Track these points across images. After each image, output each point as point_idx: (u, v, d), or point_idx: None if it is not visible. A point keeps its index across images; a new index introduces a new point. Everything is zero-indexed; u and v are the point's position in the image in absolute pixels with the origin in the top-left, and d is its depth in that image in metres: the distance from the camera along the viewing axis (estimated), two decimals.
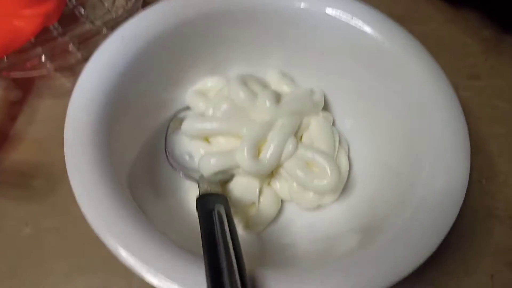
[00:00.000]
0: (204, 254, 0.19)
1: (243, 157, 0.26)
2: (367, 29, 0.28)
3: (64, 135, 0.23)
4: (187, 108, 0.30)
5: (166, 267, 0.19)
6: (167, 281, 0.19)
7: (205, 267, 0.18)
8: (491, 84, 0.36)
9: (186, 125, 0.28)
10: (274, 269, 0.21)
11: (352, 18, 0.28)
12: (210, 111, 0.28)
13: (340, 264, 0.21)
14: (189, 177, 0.27)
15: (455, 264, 0.28)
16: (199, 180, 0.26)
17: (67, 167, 0.22)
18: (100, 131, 0.23)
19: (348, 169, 0.29)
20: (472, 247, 0.28)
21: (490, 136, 0.33)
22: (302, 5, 0.28)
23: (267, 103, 0.27)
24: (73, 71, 0.34)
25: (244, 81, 0.28)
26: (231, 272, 0.18)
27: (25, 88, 0.33)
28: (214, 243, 0.19)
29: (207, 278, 0.18)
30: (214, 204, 0.22)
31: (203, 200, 0.23)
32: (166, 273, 0.19)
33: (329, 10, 0.28)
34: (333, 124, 0.31)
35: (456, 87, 0.26)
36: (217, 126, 0.27)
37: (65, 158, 0.22)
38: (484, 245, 0.29)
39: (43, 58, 0.31)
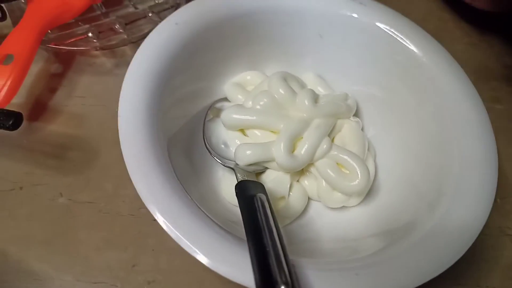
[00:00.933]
0: (248, 237, 0.20)
1: (279, 151, 0.27)
2: (408, 43, 0.29)
3: (119, 105, 0.24)
4: (225, 99, 0.31)
5: (211, 246, 0.20)
6: (215, 261, 0.20)
7: (250, 250, 0.19)
8: (510, 109, 0.37)
9: (226, 115, 0.29)
10: (307, 258, 0.22)
11: (393, 30, 0.29)
12: (250, 103, 0.29)
13: (369, 259, 0.22)
14: (226, 165, 0.28)
15: (467, 276, 0.29)
16: (235, 168, 0.27)
17: (120, 135, 0.23)
18: (151, 104, 0.24)
19: (374, 174, 0.30)
20: (483, 262, 0.30)
21: (507, 158, 0.34)
22: (355, 14, 0.29)
23: (306, 102, 0.28)
24: (114, 52, 0.35)
25: (284, 77, 0.29)
26: (277, 255, 0.19)
27: (66, 63, 0.34)
28: (259, 227, 0.20)
29: (252, 260, 0.19)
30: (255, 191, 0.23)
31: (244, 186, 0.24)
32: (211, 252, 0.20)
33: (380, 24, 0.29)
34: (362, 130, 0.32)
35: None
36: (256, 118, 0.28)
37: (118, 126, 0.23)
38: (495, 261, 0.30)
39: (90, 34, 0.32)
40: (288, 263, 0.19)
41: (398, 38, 0.29)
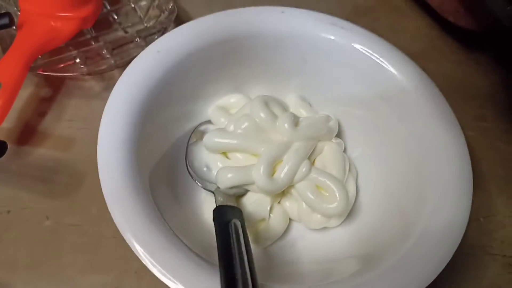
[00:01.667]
0: (220, 264, 0.20)
1: (259, 175, 0.27)
2: (388, 66, 0.29)
3: (99, 135, 0.24)
4: (209, 121, 0.32)
5: (182, 272, 0.21)
6: (183, 286, 0.20)
7: (221, 277, 0.20)
8: (496, 127, 0.38)
9: (208, 138, 0.29)
10: (279, 283, 0.23)
11: (376, 55, 0.30)
12: (231, 127, 0.30)
13: (344, 284, 0.22)
14: (206, 187, 0.29)
15: None
16: (215, 192, 0.28)
17: (98, 163, 0.23)
18: (131, 135, 0.25)
19: (355, 195, 0.30)
20: (464, 282, 0.30)
21: (491, 176, 0.35)
22: (332, 37, 0.30)
23: (286, 125, 0.29)
24: (103, 75, 0.36)
25: (266, 101, 0.30)
26: (245, 283, 0.19)
27: (56, 87, 0.35)
28: (230, 254, 0.21)
29: (222, 286, 0.19)
30: (231, 217, 0.24)
31: (220, 211, 0.24)
32: (182, 278, 0.21)
33: (356, 45, 0.30)
34: (344, 151, 0.32)
35: (463, 126, 0.28)
36: (237, 142, 0.29)
37: (98, 154, 0.24)
38: (477, 281, 0.30)
39: (77, 60, 0.33)
40: None
41: (375, 59, 0.29)
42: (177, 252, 0.22)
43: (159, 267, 0.21)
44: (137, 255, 0.21)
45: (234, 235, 0.22)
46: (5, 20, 0.30)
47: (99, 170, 0.23)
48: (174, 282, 0.20)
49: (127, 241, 0.21)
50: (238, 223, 0.23)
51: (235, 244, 0.21)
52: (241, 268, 0.20)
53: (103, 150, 0.24)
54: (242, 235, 0.22)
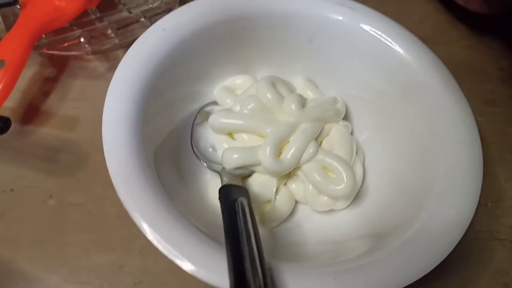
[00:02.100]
0: (226, 241, 0.20)
1: (265, 155, 0.27)
2: (397, 47, 0.29)
3: (103, 112, 0.24)
4: (214, 103, 0.32)
5: (189, 249, 0.20)
6: (190, 263, 0.20)
7: (228, 253, 0.19)
8: (506, 112, 0.37)
9: (213, 119, 0.29)
10: (288, 262, 0.22)
11: (384, 36, 0.29)
12: (237, 108, 0.29)
13: (350, 264, 0.22)
14: (211, 168, 0.28)
15: (454, 280, 0.29)
16: (221, 172, 0.28)
17: (103, 141, 0.23)
18: (136, 113, 0.25)
19: (362, 178, 0.30)
20: (472, 266, 0.29)
21: (500, 161, 0.34)
22: (340, 17, 0.29)
23: (293, 106, 0.28)
24: (107, 56, 0.35)
25: (273, 82, 0.30)
26: (252, 259, 0.19)
27: (60, 67, 0.35)
28: (237, 231, 0.20)
29: (229, 264, 0.19)
30: (237, 195, 0.23)
31: (226, 190, 0.24)
32: (188, 254, 0.20)
33: (364, 26, 0.29)
34: (351, 133, 0.32)
35: (472, 111, 0.28)
36: (243, 123, 0.28)
37: (102, 132, 0.23)
38: (483, 265, 0.30)
39: (82, 39, 0.32)
40: (264, 267, 0.19)
41: (383, 40, 0.29)
42: (184, 230, 0.21)
43: (167, 245, 0.20)
44: (144, 233, 0.21)
45: (240, 213, 0.22)
46: None
47: (104, 148, 0.23)
48: (181, 260, 0.20)
49: (134, 220, 0.21)
50: (245, 201, 0.23)
51: (242, 221, 0.21)
52: (248, 245, 0.20)
53: (108, 128, 0.24)
54: (249, 213, 0.22)
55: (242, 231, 0.20)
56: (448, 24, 0.43)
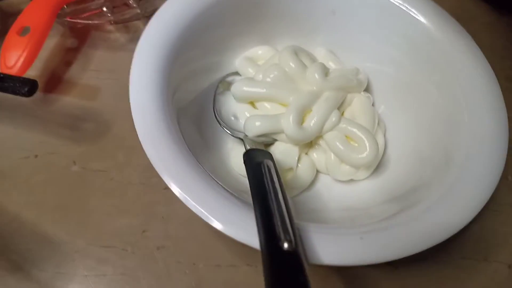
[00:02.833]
0: (254, 200, 0.20)
1: (288, 123, 0.27)
2: (421, 17, 0.29)
3: (130, 74, 0.24)
4: (236, 73, 0.32)
5: (218, 207, 0.21)
6: (219, 222, 0.20)
7: (256, 211, 0.19)
8: None
9: (236, 87, 0.29)
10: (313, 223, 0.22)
11: (406, 5, 0.29)
12: (260, 76, 0.29)
13: (375, 225, 0.22)
14: (234, 135, 0.29)
15: (475, 250, 0.29)
16: (244, 139, 0.28)
17: (131, 102, 0.23)
18: (161, 76, 0.25)
19: (383, 148, 0.30)
20: (493, 238, 0.29)
21: None
22: None
23: (316, 75, 0.28)
24: (128, 27, 0.35)
25: (295, 51, 0.30)
26: (281, 216, 0.19)
27: (81, 38, 0.35)
28: (265, 190, 0.20)
29: (258, 220, 0.19)
30: (263, 158, 0.23)
31: (252, 154, 0.24)
32: (217, 213, 0.20)
33: None
34: (373, 105, 0.32)
35: None
36: (266, 91, 0.28)
37: (130, 95, 0.23)
38: (504, 237, 0.30)
39: (104, 9, 0.32)
40: (293, 224, 0.19)
41: (409, 12, 0.29)
42: (211, 189, 0.21)
43: (197, 206, 0.21)
44: (174, 192, 0.21)
45: (267, 174, 0.22)
46: None
47: (132, 109, 0.23)
48: (210, 218, 0.20)
49: (163, 179, 0.21)
50: (271, 163, 0.23)
51: (269, 182, 0.21)
52: (277, 203, 0.20)
53: (135, 89, 0.24)
54: (275, 174, 0.22)
55: (270, 190, 0.20)
56: (469, 1, 0.42)
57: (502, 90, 0.36)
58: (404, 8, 0.29)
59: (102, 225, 0.27)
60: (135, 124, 0.23)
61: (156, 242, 0.27)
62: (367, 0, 0.30)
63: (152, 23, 0.27)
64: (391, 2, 0.29)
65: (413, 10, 0.29)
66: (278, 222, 0.19)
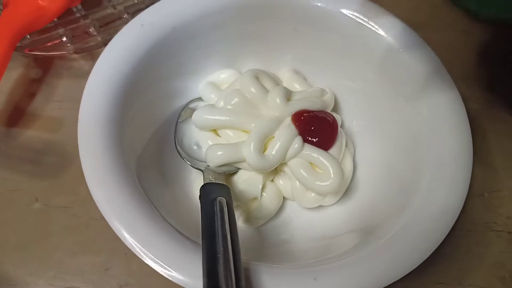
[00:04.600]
0: (202, 242, 0.20)
1: (249, 151, 0.26)
2: (382, 32, 0.28)
3: (79, 114, 0.23)
4: (199, 98, 0.31)
5: (166, 253, 0.20)
6: (165, 267, 0.20)
7: (203, 256, 0.19)
8: (504, 98, 0.36)
9: (197, 116, 0.28)
10: (269, 262, 0.22)
11: (368, 20, 0.28)
12: (221, 103, 0.28)
13: (333, 262, 0.21)
14: (195, 166, 0.28)
15: (449, 274, 0.28)
16: (204, 171, 0.27)
17: (79, 145, 0.23)
18: (114, 114, 0.24)
19: (351, 172, 0.29)
20: (467, 259, 0.29)
21: (497, 150, 0.33)
22: (319, 3, 0.28)
23: (277, 100, 0.28)
24: (92, 54, 0.35)
25: (257, 76, 0.29)
26: (226, 261, 0.18)
27: (45, 67, 0.34)
28: (213, 232, 0.20)
29: (203, 264, 0.18)
30: (217, 194, 0.23)
31: (206, 189, 0.23)
32: (164, 259, 0.20)
33: (345, 10, 0.28)
34: (341, 125, 0.31)
35: (469, 98, 0.27)
36: (227, 118, 0.28)
37: (78, 136, 0.23)
38: (479, 258, 0.29)
39: (64, 38, 0.32)
40: (239, 269, 0.19)
41: (367, 25, 0.28)
42: (161, 233, 0.21)
43: (142, 249, 0.20)
44: (120, 237, 0.20)
45: (218, 213, 0.21)
46: None
47: (79, 152, 0.23)
48: (157, 263, 0.20)
49: (114, 229, 0.21)
50: (223, 201, 0.22)
51: (219, 222, 0.20)
52: (223, 246, 0.19)
53: (84, 131, 0.23)
54: (227, 212, 0.21)
55: (218, 233, 0.20)
56: (443, 9, 0.41)
57: (479, 101, 0.35)
58: (359, 20, 0.28)
59: (64, 264, 0.27)
60: (82, 167, 0.22)
61: (119, 280, 0.27)
62: (322, 14, 0.29)
63: (104, 55, 0.26)
64: (344, 14, 0.28)
65: (369, 22, 0.28)
66: (221, 269, 0.18)
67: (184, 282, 0.19)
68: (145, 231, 0.21)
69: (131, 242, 0.20)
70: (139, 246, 0.20)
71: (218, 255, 0.19)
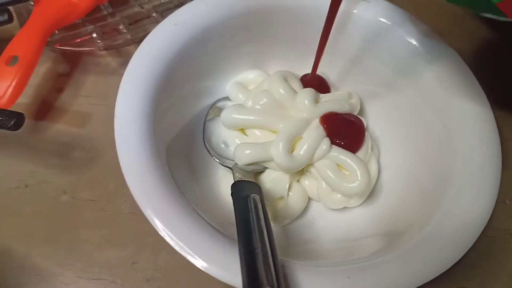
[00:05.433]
0: (239, 238, 0.20)
1: (277, 151, 0.27)
2: (412, 40, 0.28)
3: (115, 110, 0.24)
4: (227, 98, 0.31)
5: (203, 246, 0.20)
6: (202, 260, 0.20)
7: (240, 251, 0.19)
8: None
9: (225, 115, 0.29)
10: (301, 260, 0.22)
11: (395, 26, 0.28)
12: (250, 103, 0.29)
13: (363, 263, 0.22)
14: (223, 164, 0.28)
15: (471, 278, 0.28)
16: (233, 168, 0.27)
17: (116, 138, 0.23)
18: (147, 110, 0.24)
19: (376, 176, 0.29)
20: (489, 265, 0.29)
21: None
22: (354, 10, 0.29)
23: (306, 101, 0.28)
24: (120, 51, 0.35)
25: (285, 77, 0.29)
26: (265, 256, 0.19)
27: (73, 63, 0.35)
28: (249, 228, 0.20)
29: (241, 261, 0.19)
30: (250, 191, 0.23)
31: (238, 186, 0.24)
32: (201, 253, 0.20)
33: (373, 15, 0.29)
34: (366, 129, 0.31)
35: (491, 105, 0.27)
36: (255, 118, 0.28)
37: (115, 130, 0.23)
38: (501, 264, 0.29)
39: (94, 35, 0.32)
40: (276, 264, 0.19)
41: (400, 34, 0.28)
42: (196, 226, 0.21)
43: (179, 242, 0.20)
44: (156, 229, 0.21)
45: (253, 209, 0.21)
46: (4, 17, 0.30)
47: (116, 144, 0.23)
48: (193, 256, 0.20)
49: (146, 216, 0.21)
50: (257, 198, 0.22)
51: (254, 218, 0.21)
52: (261, 241, 0.19)
53: (120, 124, 0.24)
54: (261, 209, 0.22)
55: (255, 228, 0.20)
56: (464, 17, 0.42)
57: (501, 109, 0.35)
58: (392, 29, 0.29)
59: (92, 257, 0.27)
60: (119, 158, 0.22)
61: (145, 274, 0.27)
62: (355, 21, 0.30)
63: (138, 52, 0.26)
64: (379, 22, 0.29)
65: (402, 31, 0.29)
66: (261, 263, 0.18)
67: (221, 275, 0.20)
68: (180, 224, 0.21)
69: (166, 234, 0.21)
70: (175, 238, 0.20)
71: (257, 250, 0.19)
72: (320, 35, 0.29)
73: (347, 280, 0.20)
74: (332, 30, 0.30)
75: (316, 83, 0.31)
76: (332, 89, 0.32)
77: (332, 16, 0.26)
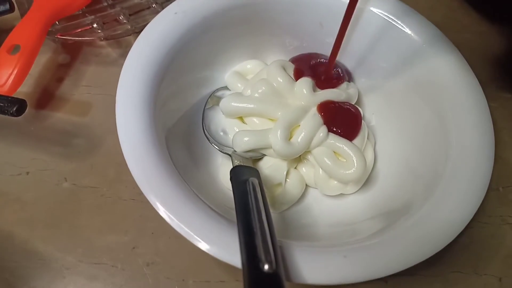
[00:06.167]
0: (238, 219, 0.20)
1: (276, 138, 0.27)
2: (406, 29, 0.29)
3: (117, 95, 0.24)
4: (225, 87, 0.32)
5: (202, 227, 0.21)
6: (203, 241, 0.20)
7: (239, 231, 0.20)
8: None
9: (224, 103, 0.29)
10: (299, 241, 0.22)
11: (393, 18, 0.29)
12: (248, 92, 0.29)
13: (359, 243, 0.22)
14: (222, 150, 0.29)
15: (466, 263, 0.29)
16: (232, 155, 0.28)
17: (117, 122, 0.23)
18: (147, 97, 0.25)
19: (373, 162, 0.30)
20: (483, 250, 0.29)
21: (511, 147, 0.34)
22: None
23: (304, 90, 0.28)
24: (119, 42, 0.35)
25: (283, 66, 0.30)
26: (263, 236, 0.19)
27: (73, 53, 0.35)
28: (248, 209, 0.21)
29: (240, 240, 0.19)
30: (249, 175, 0.23)
31: (238, 171, 0.24)
32: (200, 233, 0.21)
33: (371, 7, 0.29)
34: (363, 119, 0.32)
35: (485, 97, 0.28)
36: (254, 106, 0.29)
37: (116, 115, 0.24)
38: (494, 249, 0.30)
39: (94, 25, 0.33)
40: (274, 244, 0.19)
41: (395, 24, 0.29)
42: (197, 209, 0.22)
43: (180, 224, 0.21)
44: (158, 212, 0.21)
45: (252, 192, 0.22)
46: (6, 6, 0.31)
47: (118, 130, 0.23)
48: (195, 238, 0.21)
49: (148, 199, 0.21)
50: (256, 181, 0.23)
51: (253, 200, 0.21)
52: (259, 222, 0.20)
53: (121, 110, 0.24)
54: (260, 192, 0.22)
55: (253, 209, 0.21)
56: (459, 10, 0.42)
57: (494, 100, 0.36)
58: (387, 19, 0.29)
59: (93, 242, 0.28)
60: (120, 144, 0.23)
61: (145, 258, 0.27)
62: (354, 14, 0.30)
63: (139, 40, 0.27)
64: (373, 12, 0.29)
65: (397, 21, 0.29)
66: (259, 242, 0.19)
67: (221, 255, 0.20)
68: (181, 207, 0.21)
69: (167, 216, 0.21)
70: (176, 221, 0.21)
71: (255, 230, 0.19)
72: (318, 27, 0.30)
73: (343, 259, 0.21)
74: (328, 18, 0.31)
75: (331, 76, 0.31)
76: None
77: (351, 10, 0.27)
